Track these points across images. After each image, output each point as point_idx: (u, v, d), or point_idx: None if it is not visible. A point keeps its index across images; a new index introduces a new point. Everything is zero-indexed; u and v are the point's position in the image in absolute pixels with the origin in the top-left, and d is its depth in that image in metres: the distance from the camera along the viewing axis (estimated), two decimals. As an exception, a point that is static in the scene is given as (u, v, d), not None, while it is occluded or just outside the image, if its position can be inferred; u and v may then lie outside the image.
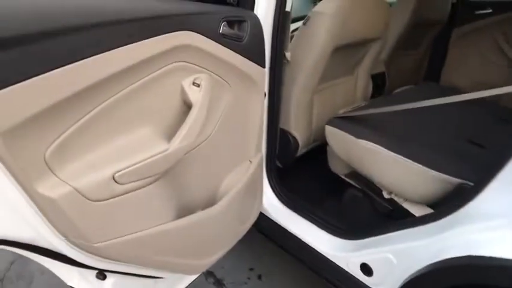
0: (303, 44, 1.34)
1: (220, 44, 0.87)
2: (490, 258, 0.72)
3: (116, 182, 0.72)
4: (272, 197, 1.36)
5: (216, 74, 0.91)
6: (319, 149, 1.57)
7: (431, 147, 1.17)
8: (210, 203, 1.01)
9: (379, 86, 1.89)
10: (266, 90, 1.15)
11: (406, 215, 1.24)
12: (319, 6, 1.29)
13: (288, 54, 1.27)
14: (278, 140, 1.32)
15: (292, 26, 2.22)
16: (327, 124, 1.40)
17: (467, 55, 2.17)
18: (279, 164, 1.47)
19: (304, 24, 1.34)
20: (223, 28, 0.87)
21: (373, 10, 1.44)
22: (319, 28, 1.28)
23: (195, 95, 0.84)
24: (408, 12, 1.83)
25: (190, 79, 0.84)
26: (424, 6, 1.86)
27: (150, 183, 0.81)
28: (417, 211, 1.22)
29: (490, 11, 2.01)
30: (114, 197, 0.73)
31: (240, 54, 0.94)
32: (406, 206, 1.25)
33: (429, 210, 1.18)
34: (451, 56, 2.25)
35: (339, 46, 1.34)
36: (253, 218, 1.25)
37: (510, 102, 1.80)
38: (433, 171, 1.08)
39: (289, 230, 1.30)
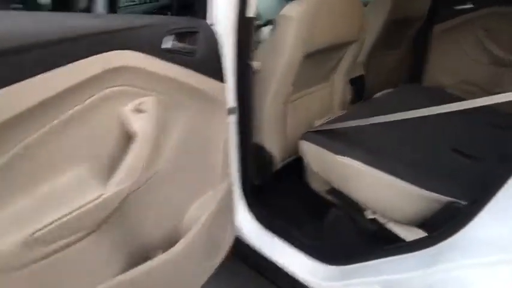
0: (271, 51, 1.21)
1: (165, 60, 0.74)
2: None
3: (36, 243, 0.58)
4: (249, 218, 1.24)
5: (166, 96, 0.79)
6: (298, 163, 1.46)
7: (416, 161, 1.06)
8: (172, 242, 0.88)
9: (359, 90, 1.78)
10: (236, 104, 1.04)
11: (391, 236, 1.13)
12: (286, 9, 1.16)
13: (255, 64, 1.14)
14: (252, 155, 1.20)
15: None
16: (301, 139, 1.29)
17: (449, 53, 2.07)
18: (255, 182, 1.35)
19: (271, 29, 1.22)
20: (168, 42, 0.75)
21: (344, 12, 1.31)
22: (286, 34, 1.15)
23: (138, 123, 0.71)
24: (385, 10, 1.71)
25: (133, 105, 0.72)
26: (402, 2, 1.74)
27: (85, 237, 0.67)
28: (402, 232, 1.11)
29: (471, 6, 1.92)
30: (36, 262, 0.59)
31: (193, 70, 0.82)
32: (391, 226, 1.14)
33: (416, 231, 1.07)
34: (433, 54, 2.15)
35: (310, 52, 1.22)
36: (224, 250, 1.12)
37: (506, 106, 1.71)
38: (418, 188, 0.97)
39: (268, 255, 1.18)
